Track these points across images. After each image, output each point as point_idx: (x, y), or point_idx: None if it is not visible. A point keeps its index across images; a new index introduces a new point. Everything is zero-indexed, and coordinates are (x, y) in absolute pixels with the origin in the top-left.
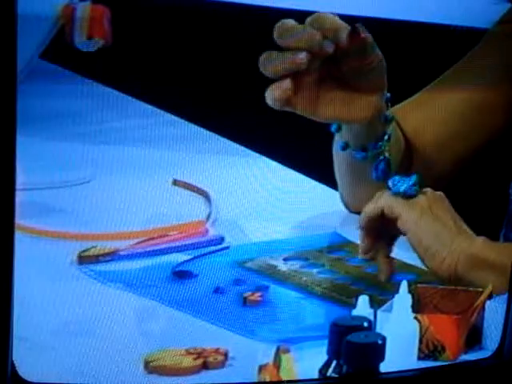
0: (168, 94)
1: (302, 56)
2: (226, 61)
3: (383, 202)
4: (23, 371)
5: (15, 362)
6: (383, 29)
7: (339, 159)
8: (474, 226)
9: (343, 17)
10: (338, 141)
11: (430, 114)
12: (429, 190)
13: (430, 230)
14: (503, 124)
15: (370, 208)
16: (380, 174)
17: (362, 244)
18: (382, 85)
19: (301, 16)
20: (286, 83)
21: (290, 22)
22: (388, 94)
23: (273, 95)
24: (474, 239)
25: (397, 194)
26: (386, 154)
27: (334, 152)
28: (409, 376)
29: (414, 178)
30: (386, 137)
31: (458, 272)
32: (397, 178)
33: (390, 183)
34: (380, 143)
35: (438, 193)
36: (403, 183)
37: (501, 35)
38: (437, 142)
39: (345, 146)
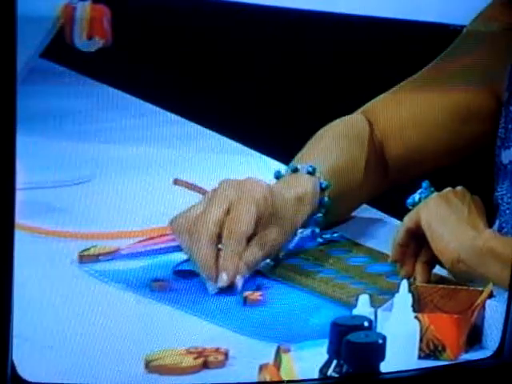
0: (169, 93)
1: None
2: (226, 60)
3: (404, 221)
4: (23, 371)
5: (15, 361)
6: (382, 27)
7: None
8: None
9: (343, 16)
10: None
11: (409, 118)
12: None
13: (440, 214)
14: (484, 132)
15: (398, 235)
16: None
17: (401, 269)
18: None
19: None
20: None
21: None
22: (322, 182)
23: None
24: (483, 230)
25: (415, 204)
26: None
27: None
28: (409, 376)
29: (425, 183)
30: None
31: (461, 258)
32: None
33: (408, 203)
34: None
35: (460, 187)
36: (416, 194)
37: (476, 35)
38: (414, 145)
39: None
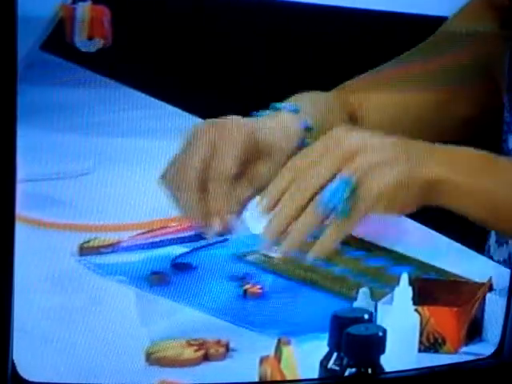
0: (170, 85)
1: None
2: (227, 57)
3: None
4: (24, 370)
5: (15, 361)
6: (378, 21)
7: None
8: (462, 230)
9: (338, 8)
10: None
11: (387, 100)
12: None
13: None
14: (470, 115)
15: None
16: None
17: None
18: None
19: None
20: None
21: None
22: (305, 122)
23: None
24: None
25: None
26: None
27: None
28: (408, 376)
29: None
30: None
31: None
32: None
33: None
34: None
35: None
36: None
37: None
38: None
39: None
